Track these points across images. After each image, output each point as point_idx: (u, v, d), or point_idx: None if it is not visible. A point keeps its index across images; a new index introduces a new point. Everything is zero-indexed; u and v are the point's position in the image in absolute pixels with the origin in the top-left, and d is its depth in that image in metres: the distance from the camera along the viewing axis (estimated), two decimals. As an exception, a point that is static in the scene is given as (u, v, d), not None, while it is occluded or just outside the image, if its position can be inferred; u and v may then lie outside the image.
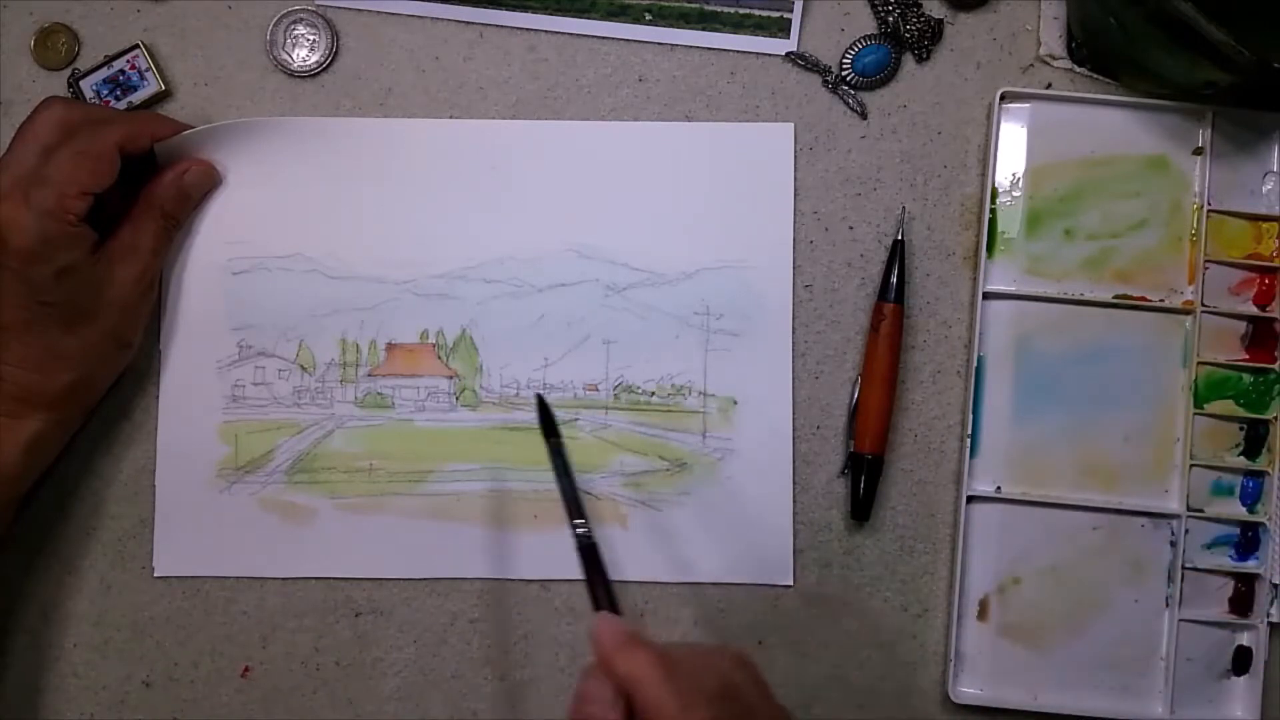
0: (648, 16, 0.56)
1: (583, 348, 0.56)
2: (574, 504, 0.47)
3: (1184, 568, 0.55)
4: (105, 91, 0.56)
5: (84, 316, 0.51)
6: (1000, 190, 0.56)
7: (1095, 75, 0.56)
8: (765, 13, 0.56)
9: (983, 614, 0.56)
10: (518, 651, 0.56)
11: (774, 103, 0.57)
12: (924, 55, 0.56)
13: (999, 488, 0.56)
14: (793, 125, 0.56)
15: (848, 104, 0.57)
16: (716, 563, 0.56)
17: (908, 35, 0.56)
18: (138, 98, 0.56)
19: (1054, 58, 0.57)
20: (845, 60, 0.56)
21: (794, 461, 0.56)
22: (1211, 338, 0.56)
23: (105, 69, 0.56)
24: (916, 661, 0.56)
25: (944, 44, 0.57)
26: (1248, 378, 0.56)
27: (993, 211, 0.56)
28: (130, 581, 0.56)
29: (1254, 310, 0.56)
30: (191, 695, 0.56)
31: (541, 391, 0.56)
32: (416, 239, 0.56)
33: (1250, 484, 0.56)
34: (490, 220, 0.56)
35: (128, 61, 0.56)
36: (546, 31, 0.57)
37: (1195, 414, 0.55)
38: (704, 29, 0.56)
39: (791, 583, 0.56)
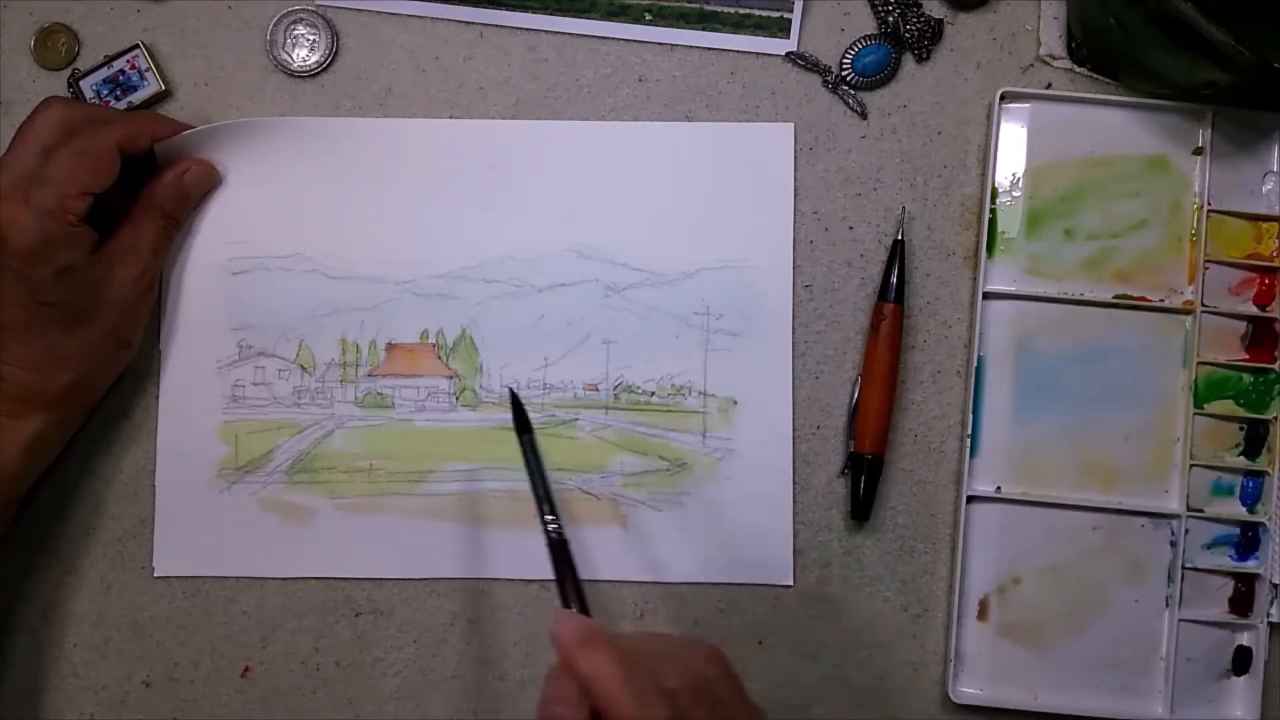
0: (648, 16, 0.56)
1: (583, 348, 0.56)
2: (545, 500, 0.47)
3: (1184, 568, 0.55)
4: (105, 91, 0.56)
5: (84, 316, 0.51)
6: (1000, 190, 0.56)
7: (1095, 75, 0.56)
8: (765, 13, 0.56)
9: (983, 614, 0.56)
10: (518, 651, 0.56)
11: (774, 103, 0.57)
12: (924, 55, 0.56)
13: (999, 488, 0.56)
14: (793, 125, 0.56)
15: (848, 104, 0.57)
16: (716, 563, 0.56)
17: (908, 35, 0.56)
18: (138, 98, 0.56)
19: (1054, 58, 0.57)
20: (845, 60, 0.56)
21: (794, 461, 0.56)
22: (1211, 338, 0.56)
23: (105, 69, 0.56)
24: (916, 661, 0.56)
25: (944, 44, 0.57)
26: (1248, 378, 0.56)
27: (993, 211, 0.56)
28: (130, 581, 0.56)
29: (1254, 310, 0.56)
30: (191, 695, 0.56)
31: (542, 391, 0.56)
32: (416, 239, 0.56)
33: (1250, 484, 0.56)
34: (490, 220, 0.56)
35: (128, 61, 0.56)
36: (546, 31, 0.57)
37: (1195, 414, 0.55)
38: (704, 29, 0.56)
39: (791, 583, 0.56)
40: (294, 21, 0.56)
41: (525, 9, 0.56)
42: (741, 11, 0.56)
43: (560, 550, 0.46)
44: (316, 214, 0.56)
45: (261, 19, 0.57)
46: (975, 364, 0.55)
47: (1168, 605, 0.55)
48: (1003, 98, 0.56)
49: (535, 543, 0.56)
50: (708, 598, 0.56)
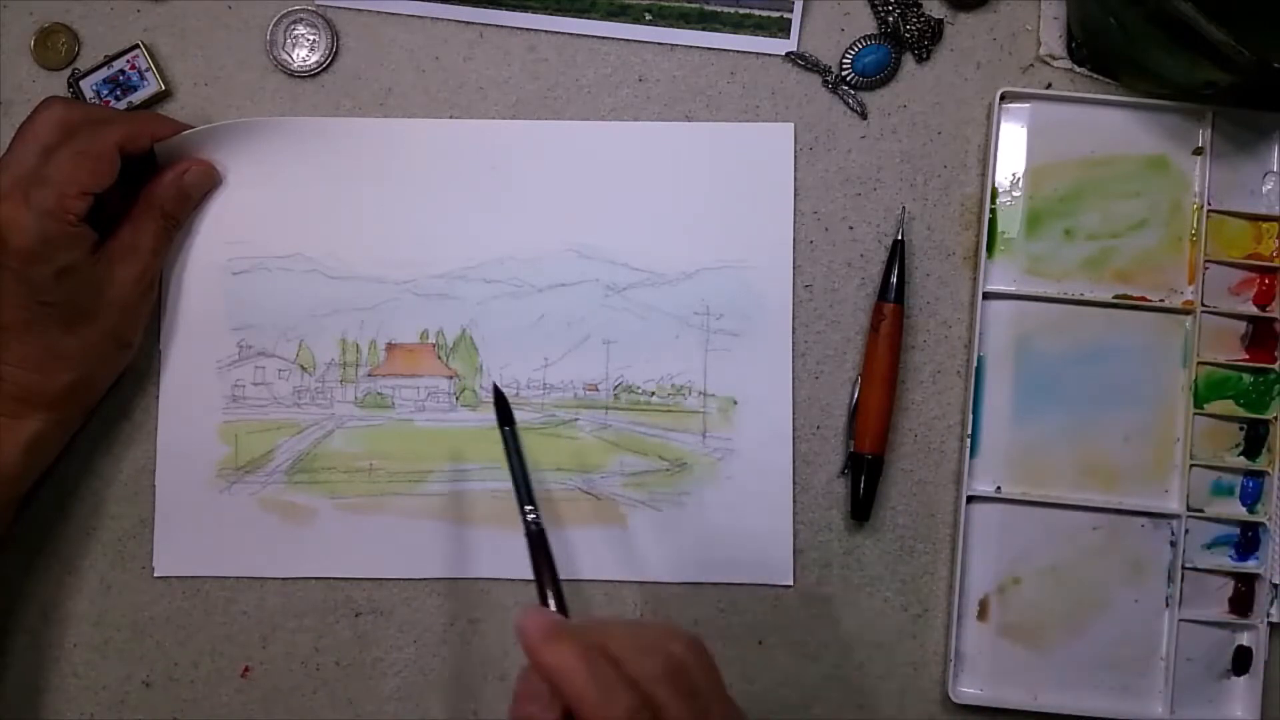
0: (648, 16, 0.56)
1: (583, 348, 0.56)
2: (525, 491, 0.47)
3: (1184, 568, 0.55)
4: (105, 91, 0.56)
5: (84, 316, 0.51)
6: (1000, 190, 0.56)
7: (1095, 75, 0.56)
8: (765, 13, 0.56)
9: (983, 614, 0.56)
10: (517, 652, 0.56)
11: (774, 103, 0.57)
12: (924, 55, 0.56)
13: (999, 488, 0.56)
14: (793, 125, 0.56)
15: (848, 104, 0.57)
16: (716, 563, 0.56)
17: (908, 35, 0.56)
18: (138, 98, 0.56)
19: (1054, 58, 0.57)
20: (845, 60, 0.56)
21: (794, 461, 0.56)
22: (1211, 338, 0.56)
23: (105, 69, 0.56)
24: (916, 661, 0.56)
25: (944, 44, 0.57)
26: (1248, 378, 0.56)
27: (993, 211, 0.56)
28: (130, 581, 0.56)
29: (1254, 310, 0.56)
30: (191, 695, 0.56)
31: (542, 391, 0.56)
32: (416, 239, 0.56)
33: (1250, 484, 0.56)
34: (490, 220, 0.56)
35: (128, 61, 0.56)
36: (546, 31, 0.57)
37: (1195, 414, 0.55)
38: (704, 29, 0.56)
39: (791, 583, 0.56)
40: (294, 21, 0.56)
41: (525, 9, 0.56)
42: (741, 11, 0.56)
43: (538, 541, 0.46)
44: (316, 214, 0.56)
45: (261, 19, 0.57)
46: (975, 364, 0.55)
47: (1168, 605, 0.55)
48: (1003, 98, 0.56)
49: (535, 543, 0.56)
50: (708, 598, 0.56)
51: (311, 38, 0.56)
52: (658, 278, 0.56)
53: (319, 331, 0.56)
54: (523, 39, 0.57)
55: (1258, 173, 0.56)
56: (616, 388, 0.56)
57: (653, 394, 0.56)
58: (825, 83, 0.57)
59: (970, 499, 0.55)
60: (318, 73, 0.57)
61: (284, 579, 0.56)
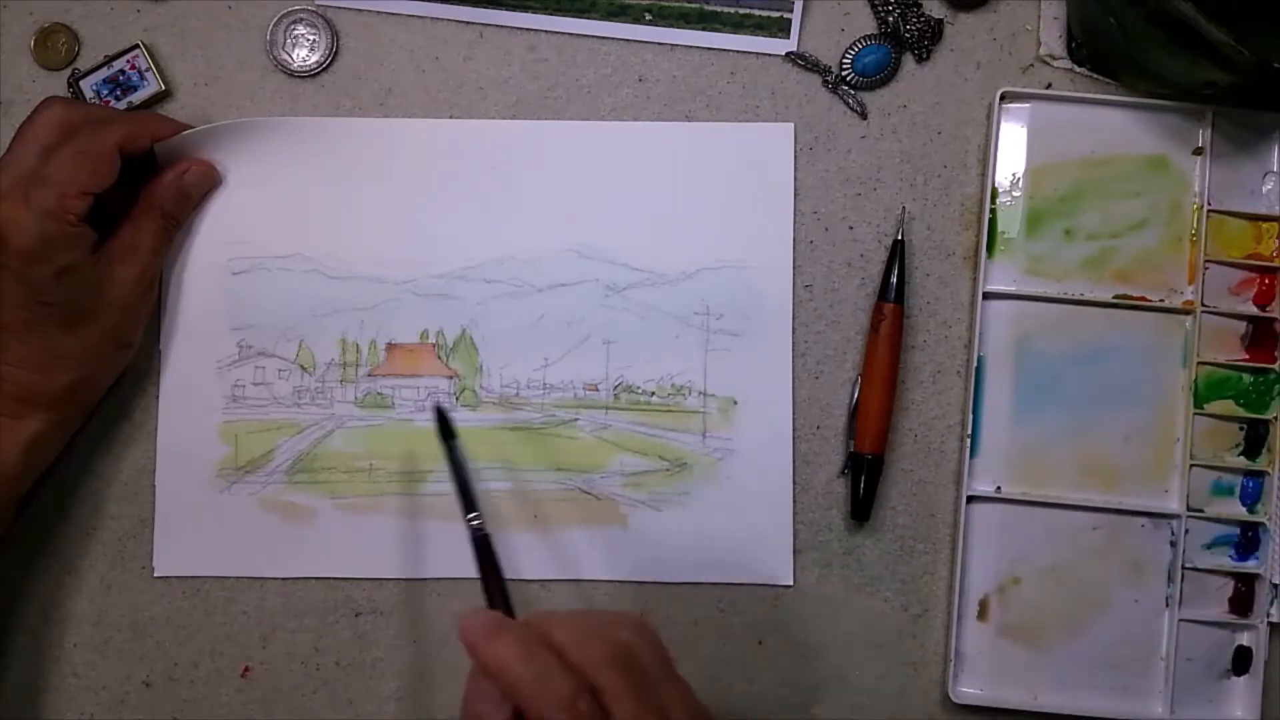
0: (648, 16, 0.56)
1: (583, 348, 0.56)
2: (468, 499, 0.48)
3: (1184, 568, 0.55)
4: (105, 91, 0.56)
5: (84, 316, 0.51)
6: (1000, 190, 0.56)
7: (1095, 75, 0.56)
8: (765, 13, 0.56)
9: (983, 614, 0.56)
10: (518, 651, 0.56)
11: (774, 103, 0.57)
12: (924, 55, 0.56)
13: (999, 488, 0.56)
14: (793, 125, 0.56)
15: (848, 104, 0.57)
16: (716, 563, 0.56)
17: (908, 35, 0.56)
18: (138, 98, 0.56)
19: (1054, 58, 0.57)
20: (845, 60, 0.56)
21: (794, 461, 0.56)
22: (1211, 338, 0.56)
23: (105, 69, 0.56)
24: (916, 661, 0.56)
25: (944, 44, 0.57)
26: (1248, 378, 0.56)
27: (993, 211, 0.56)
28: (130, 581, 0.56)
29: (1254, 310, 0.56)
30: (191, 695, 0.56)
31: (542, 391, 0.56)
32: (416, 239, 0.56)
33: (1250, 484, 0.56)
34: (490, 220, 0.56)
35: (128, 61, 0.56)
36: (546, 31, 0.57)
37: (1195, 414, 0.55)
38: (704, 29, 0.56)
39: (791, 583, 0.56)
40: (294, 21, 0.56)
41: (525, 9, 0.56)
42: (741, 11, 0.56)
43: (483, 546, 0.47)
44: (316, 214, 0.56)
45: (261, 19, 0.57)
46: (975, 364, 0.55)
47: (1168, 605, 0.55)
48: (1003, 98, 0.56)
49: (535, 542, 0.56)
50: (708, 598, 0.56)
51: (311, 38, 0.56)
52: (658, 278, 0.56)
53: (319, 331, 0.56)
54: (523, 39, 0.57)
55: (1258, 173, 0.56)
56: (616, 388, 0.56)
57: (653, 394, 0.56)
58: (825, 83, 0.57)
59: (970, 499, 0.55)
60: (318, 73, 0.57)
61: (284, 579, 0.56)
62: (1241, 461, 0.56)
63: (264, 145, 0.56)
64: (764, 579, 0.56)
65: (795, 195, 0.56)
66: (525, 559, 0.56)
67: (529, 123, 0.57)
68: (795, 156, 0.56)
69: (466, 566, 0.56)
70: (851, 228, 0.57)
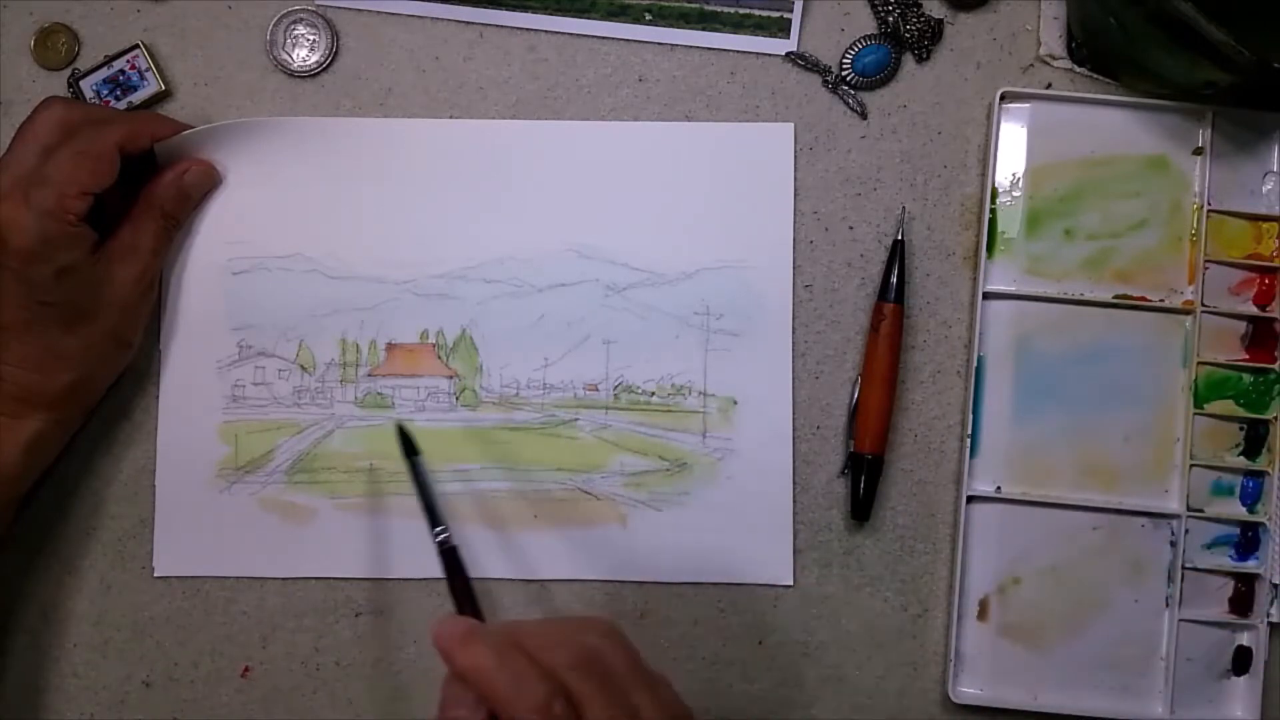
0: (648, 16, 0.56)
1: (583, 348, 0.56)
2: (433, 514, 0.49)
3: (1184, 568, 0.55)
4: (105, 91, 0.56)
5: (84, 316, 0.51)
6: (1000, 190, 0.56)
7: (1095, 75, 0.56)
8: (765, 13, 0.56)
9: (983, 614, 0.56)
10: (518, 651, 0.56)
11: (774, 103, 0.57)
12: (924, 55, 0.56)
13: (999, 488, 0.56)
14: (793, 125, 0.56)
15: (848, 104, 0.57)
16: (716, 563, 0.56)
17: (908, 35, 0.56)
18: (138, 98, 0.56)
19: (1054, 58, 0.57)
20: (845, 60, 0.56)
21: (794, 461, 0.56)
22: (1211, 338, 0.56)
23: (105, 69, 0.56)
24: (916, 661, 0.56)
25: (944, 44, 0.57)
26: (1248, 378, 0.56)
27: (993, 211, 0.56)
28: (130, 581, 0.56)
29: (1254, 310, 0.56)
30: (191, 695, 0.56)
31: (542, 391, 0.56)
32: (416, 239, 0.56)
33: (1250, 484, 0.56)
34: (490, 220, 0.56)
35: (128, 61, 0.56)
36: (546, 31, 0.57)
37: (1195, 414, 0.55)
38: (704, 29, 0.56)
39: (791, 583, 0.56)
40: (294, 21, 0.56)
41: (525, 9, 0.56)
42: (741, 11, 0.56)
43: (451, 559, 0.48)
44: (316, 214, 0.56)
45: (261, 19, 0.57)
46: (975, 364, 0.55)
47: (1168, 605, 0.55)
48: (1003, 98, 0.56)
49: (535, 542, 0.56)
50: (708, 598, 0.56)
51: (311, 38, 0.56)
52: (658, 278, 0.56)
53: (319, 331, 0.56)
54: (523, 39, 0.57)
55: (1258, 173, 0.56)
56: (616, 388, 0.56)
57: (653, 394, 0.56)
58: (825, 83, 0.57)
59: (970, 499, 0.55)
60: (318, 73, 0.57)
61: (284, 579, 0.56)
62: (1241, 461, 0.56)
63: (264, 145, 0.56)
64: (764, 579, 0.56)
65: (795, 195, 0.56)
66: (525, 559, 0.56)
67: (529, 123, 0.57)
68: (795, 156, 0.56)
69: (466, 567, 0.56)
70: (851, 228, 0.57)
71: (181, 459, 0.56)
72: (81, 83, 0.56)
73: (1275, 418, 0.55)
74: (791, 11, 0.56)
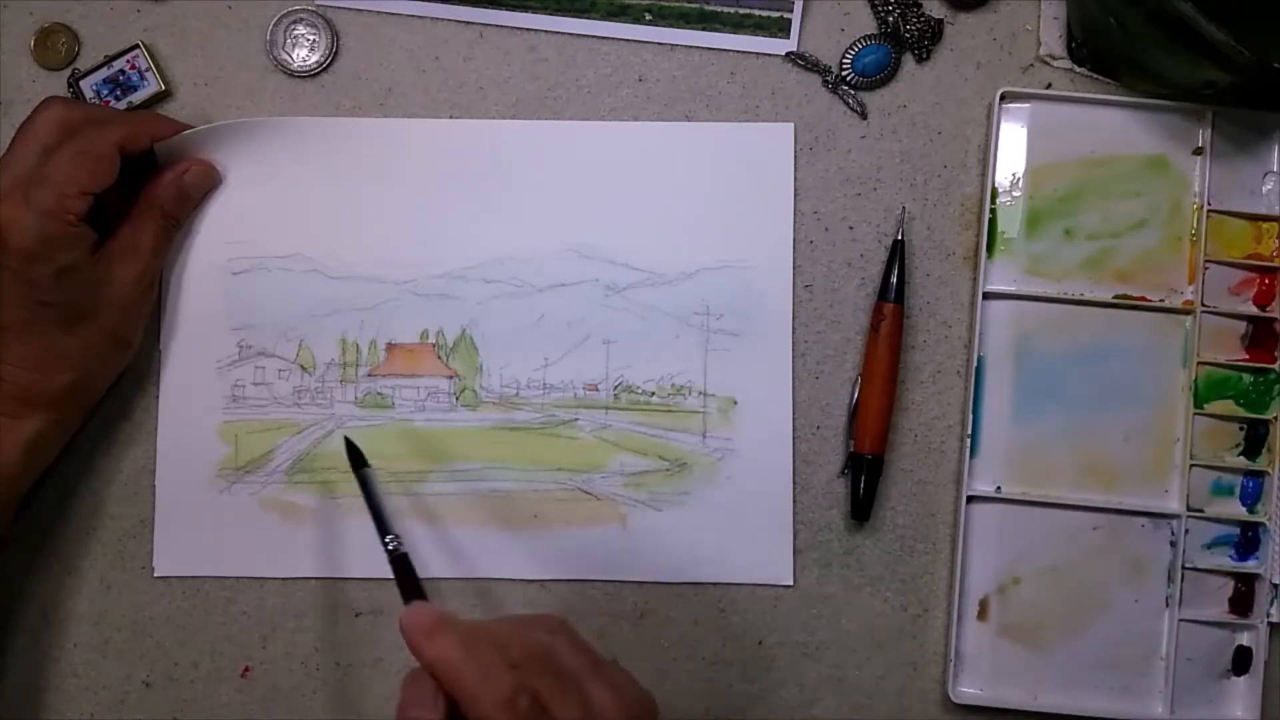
0: (648, 16, 0.56)
1: (583, 348, 0.56)
2: (382, 523, 0.49)
3: (1184, 568, 0.55)
4: (105, 91, 0.56)
5: (84, 316, 0.51)
6: (1000, 190, 0.56)
7: (1095, 75, 0.56)
8: (765, 13, 0.56)
9: (983, 614, 0.56)
10: (518, 651, 0.56)
11: (774, 103, 0.57)
12: (924, 55, 0.56)
13: (999, 488, 0.56)
14: (793, 125, 0.56)
15: (848, 104, 0.57)
16: (716, 563, 0.56)
17: (908, 35, 0.56)
18: (138, 98, 0.56)
19: (1054, 58, 0.57)
20: (845, 60, 0.56)
21: (794, 461, 0.56)
22: (1211, 338, 0.56)
23: (105, 69, 0.56)
24: (916, 661, 0.56)
25: (944, 44, 0.57)
26: (1248, 378, 0.56)
27: (993, 211, 0.56)
28: (130, 581, 0.56)
29: (1254, 310, 0.56)
30: (191, 695, 0.56)
31: (542, 391, 0.56)
32: (416, 239, 0.56)
33: (1250, 484, 0.56)
34: (490, 220, 0.56)
35: (128, 61, 0.56)
36: (546, 31, 0.57)
37: (1195, 414, 0.55)
38: (704, 29, 0.56)
39: (791, 583, 0.56)
40: (294, 21, 0.56)
41: (525, 9, 0.56)
42: (741, 11, 0.56)
43: (402, 565, 0.48)
44: (316, 214, 0.56)
45: (261, 19, 0.57)
46: (975, 364, 0.55)
47: (1168, 605, 0.55)
48: (1003, 98, 0.56)
49: (535, 542, 0.56)
50: (708, 598, 0.56)
51: (311, 38, 0.56)
52: (658, 278, 0.56)
53: (319, 331, 0.56)
54: (523, 39, 0.57)
55: (1258, 173, 0.56)
56: (616, 388, 0.56)
57: (653, 394, 0.56)
58: (825, 83, 0.57)
59: (970, 499, 0.55)
60: (318, 73, 0.57)
61: (284, 579, 0.56)
62: (1241, 461, 0.56)
63: (264, 145, 0.56)
64: (764, 579, 0.56)
65: (795, 195, 0.56)
66: (525, 559, 0.56)
67: (529, 123, 0.57)
68: (795, 156, 0.56)
69: (466, 567, 0.56)
70: (851, 228, 0.57)
71: (181, 459, 0.56)
72: (81, 83, 0.56)
73: (1275, 418, 0.55)
74: (791, 11, 0.56)
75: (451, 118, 0.57)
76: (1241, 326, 0.56)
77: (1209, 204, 0.55)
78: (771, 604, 0.56)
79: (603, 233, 0.56)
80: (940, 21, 0.56)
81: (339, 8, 0.57)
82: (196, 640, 0.56)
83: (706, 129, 0.56)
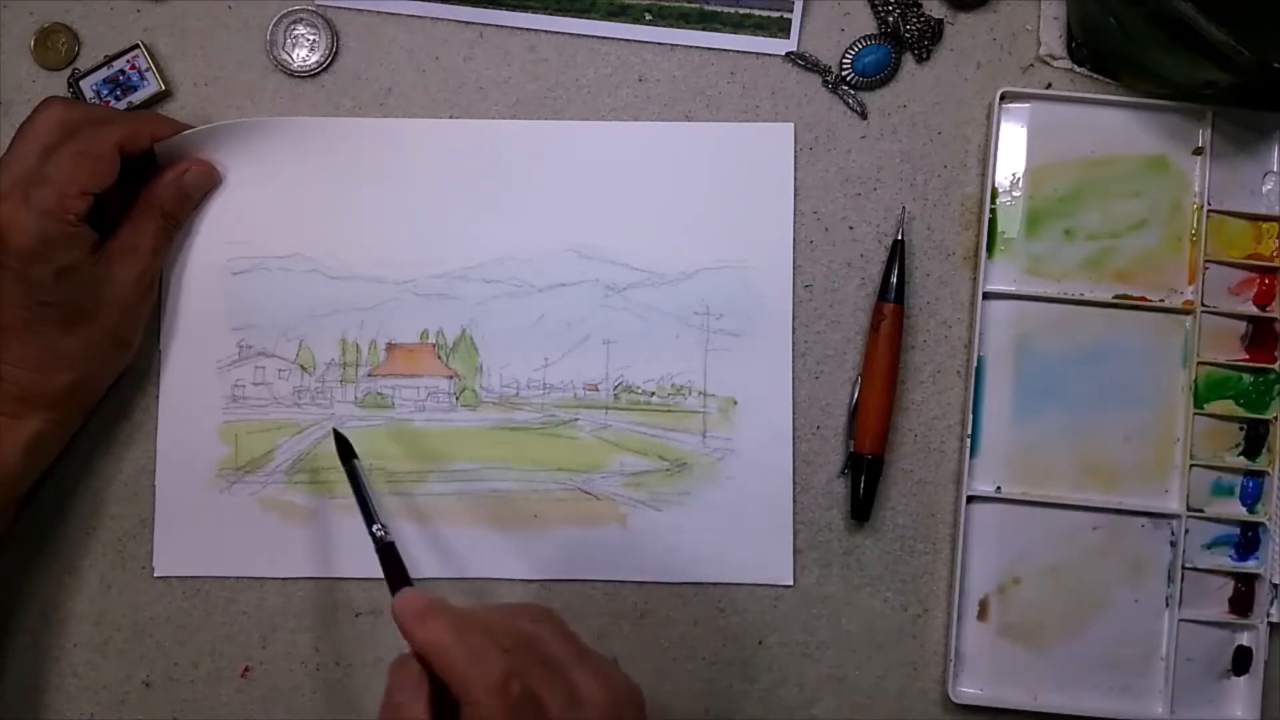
0: (648, 16, 0.56)
1: (583, 348, 0.56)
2: (369, 513, 0.49)
3: (1184, 568, 0.55)
4: (105, 91, 0.56)
5: (84, 316, 0.51)
6: (1000, 190, 0.56)
7: (1095, 75, 0.56)
8: (765, 13, 0.56)
9: (983, 614, 0.56)
10: (518, 651, 0.56)
11: (774, 103, 0.57)
12: (924, 55, 0.56)
13: (999, 488, 0.56)
14: (793, 125, 0.56)
15: (848, 104, 0.57)
16: (716, 563, 0.56)
17: (908, 35, 0.56)
18: (138, 98, 0.56)
19: (1054, 58, 0.57)
20: (845, 60, 0.56)
21: (794, 461, 0.56)
22: (1211, 338, 0.56)
23: (105, 69, 0.56)
24: (916, 661, 0.56)
25: (944, 44, 0.57)
26: (1248, 378, 0.56)
27: (993, 211, 0.56)
28: (130, 581, 0.56)
29: (1254, 310, 0.56)
30: (191, 695, 0.56)
31: (542, 391, 0.56)
32: (416, 239, 0.56)
33: (1250, 484, 0.56)
34: (490, 220, 0.56)
35: (128, 61, 0.56)
36: (546, 31, 0.57)
37: (1195, 414, 0.55)
38: (704, 29, 0.56)
39: (791, 583, 0.56)
40: (294, 21, 0.56)
41: (525, 9, 0.56)
42: (741, 11, 0.56)
43: (389, 553, 0.48)
44: (316, 214, 0.56)
45: (261, 19, 0.57)
46: (975, 364, 0.55)
47: (1168, 605, 0.55)
48: (1003, 98, 0.56)
49: (535, 542, 0.56)
50: (708, 598, 0.56)
51: (311, 38, 0.56)
52: (658, 278, 0.56)
53: (319, 331, 0.56)
54: (523, 39, 0.57)
55: (1258, 173, 0.56)
56: (616, 388, 0.56)
57: (653, 394, 0.56)
58: (825, 83, 0.57)
59: (970, 499, 0.55)
60: (318, 73, 0.57)
61: (284, 579, 0.56)
62: (1241, 461, 0.56)
63: (264, 145, 0.56)
64: (764, 579, 0.56)
65: (795, 195, 0.56)
66: (525, 559, 0.56)
67: (529, 123, 0.57)
68: (795, 156, 0.56)
69: (466, 567, 0.56)
70: (851, 228, 0.57)
71: (181, 459, 0.56)
72: (81, 83, 0.56)
73: (1275, 418, 0.55)
74: (791, 11, 0.56)
75: (451, 118, 0.57)
76: (1241, 326, 0.56)
77: (1209, 204, 0.55)
78: (771, 604, 0.56)
79: (603, 233, 0.56)
80: (940, 21, 0.56)
81: (339, 8, 0.57)
82: (196, 640, 0.56)
83: (706, 129, 0.56)
